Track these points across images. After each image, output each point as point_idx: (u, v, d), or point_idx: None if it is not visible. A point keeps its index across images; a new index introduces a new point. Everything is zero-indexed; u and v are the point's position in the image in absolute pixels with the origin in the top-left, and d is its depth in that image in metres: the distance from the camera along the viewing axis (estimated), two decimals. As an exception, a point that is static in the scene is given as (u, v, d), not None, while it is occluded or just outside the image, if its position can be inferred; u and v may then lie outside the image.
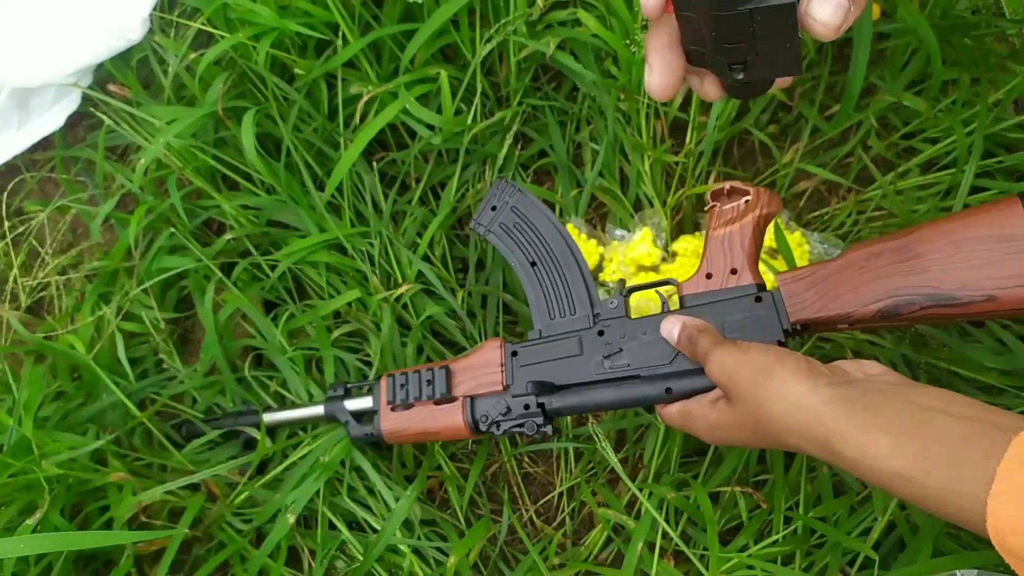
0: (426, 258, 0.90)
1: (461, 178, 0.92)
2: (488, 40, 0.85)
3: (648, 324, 0.67)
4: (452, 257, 0.91)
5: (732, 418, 0.57)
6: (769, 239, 0.89)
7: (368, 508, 0.84)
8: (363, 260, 0.89)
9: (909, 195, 0.85)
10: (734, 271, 0.65)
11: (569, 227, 0.91)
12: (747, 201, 0.65)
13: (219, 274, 0.84)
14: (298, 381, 0.85)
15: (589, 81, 0.89)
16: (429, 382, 0.74)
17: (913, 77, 0.90)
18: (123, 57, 0.80)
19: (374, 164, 0.90)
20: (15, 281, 0.95)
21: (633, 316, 0.69)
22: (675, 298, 0.75)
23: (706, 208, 0.68)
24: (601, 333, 0.69)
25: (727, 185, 0.66)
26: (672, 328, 0.63)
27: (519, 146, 0.94)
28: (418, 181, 0.92)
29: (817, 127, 0.94)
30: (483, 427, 0.72)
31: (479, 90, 0.88)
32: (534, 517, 0.85)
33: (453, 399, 0.73)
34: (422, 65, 0.85)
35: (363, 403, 0.78)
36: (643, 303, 0.86)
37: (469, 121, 0.86)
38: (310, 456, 0.80)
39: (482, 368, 0.73)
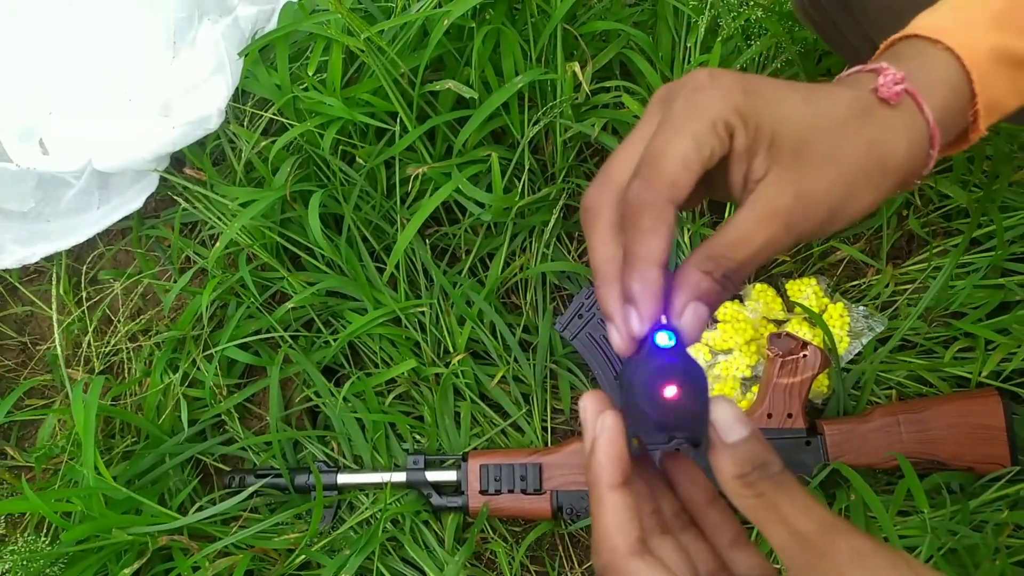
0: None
1: (508, 248, 0.97)
2: (536, 122, 0.90)
3: None
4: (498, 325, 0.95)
5: None
6: (808, 301, 0.92)
7: (418, 568, 0.87)
8: (416, 329, 0.93)
9: (947, 272, 0.87)
10: (790, 415, 0.81)
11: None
12: (805, 356, 0.81)
13: (289, 340, 0.89)
14: (363, 444, 0.89)
15: (632, 159, 0.94)
16: (523, 478, 0.84)
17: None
18: (199, 143, 0.87)
19: (426, 240, 0.95)
20: (89, 346, 1.01)
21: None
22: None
23: (767, 350, 0.82)
24: (677, 450, 0.74)
25: (784, 332, 0.83)
26: (735, 424, 0.38)
27: (563, 214, 0.98)
28: (468, 253, 0.97)
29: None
30: (565, 516, 0.83)
31: (527, 167, 0.93)
32: (581, 582, 0.88)
33: (542, 492, 0.84)
34: (474, 147, 0.90)
35: (446, 476, 0.86)
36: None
37: (517, 197, 0.90)
38: (371, 519, 0.84)
39: (569, 467, 0.84)
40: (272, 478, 0.89)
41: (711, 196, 0.44)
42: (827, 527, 0.37)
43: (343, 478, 0.88)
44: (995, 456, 0.80)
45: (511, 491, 0.84)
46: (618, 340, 0.39)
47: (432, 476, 0.86)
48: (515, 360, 0.94)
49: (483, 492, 0.85)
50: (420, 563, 0.87)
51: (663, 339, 0.38)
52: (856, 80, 0.44)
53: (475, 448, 0.91)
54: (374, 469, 0.89)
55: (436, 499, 0.86)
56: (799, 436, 0.82)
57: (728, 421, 0.38)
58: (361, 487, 0.89)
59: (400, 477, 0.87)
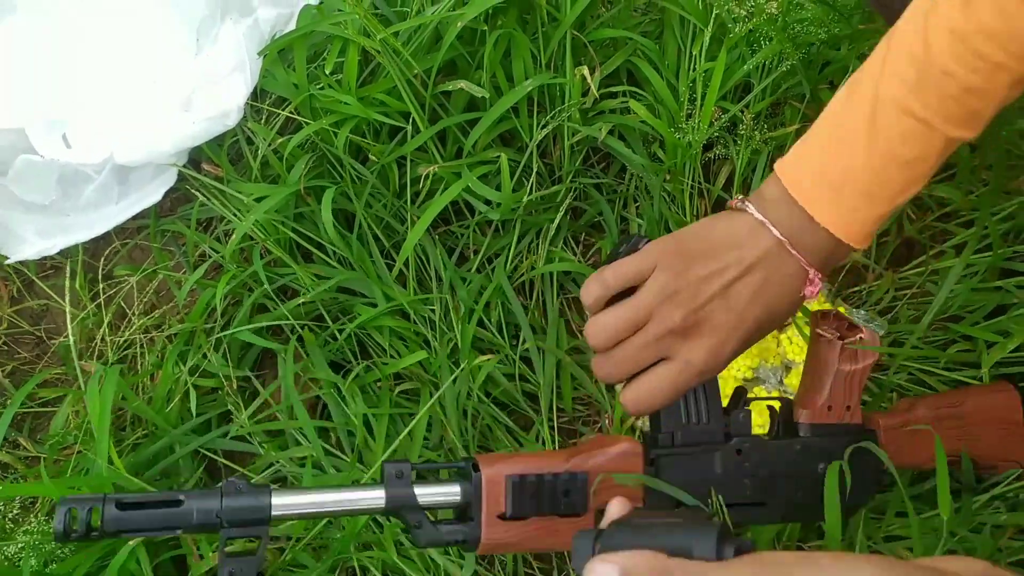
0: (481, 323, 0.96)
1: (516, 248, 0.99)
2: (544, 126, 0.93)
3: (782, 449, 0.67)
4: (507, 323, 0.97)
5: None
6: (809, 307, 0.93)
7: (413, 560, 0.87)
8: (424, 325, 0.95)
9: (944, 275, 0.89)
10: (848, 408, 0.68)
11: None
12: (862, 338, 0.68)
13: (299, 331, 0.90)
14: (364, 435, 0.90)
15: (637, 163, 0.96)
16: (567, 493, 0.58)
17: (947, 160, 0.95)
18: (217, 140, 0.89)
19: (436, 237, 0.97)
20: (103, 339, 1.02)
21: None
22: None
23: (818, 331, 0.68)
24: (739, 452, 0.64)
25: (833, 311, 0.69)
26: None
27: (569, 216, 1.00)
28: (476, 253, 0.99)
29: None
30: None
31: (535, 170, 0.95)
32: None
33: (585, 513, 0.59)
34: (483, 148, 0.93)
35: (443, 494, 0.59)
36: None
37: (526, 196, 0.93)
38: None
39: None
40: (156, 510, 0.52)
41: None
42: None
43: (280, 501, 0.54)
44: (1015, 453, 0.75)
45: (543, 514, 0.58)
46: None
47: (424, 493, 0.58)
48: (521, 358, 0.95)
49: (506, 517, 0.58)
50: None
51: None
52: (782, 262, 0.57)
53: (483, 451, 0.80)
54: (322, 488, 0.59)
55: (427, 533, 0.57)
56: (857, 431, 0.68)
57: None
58: (309, 516, 0.62)
59: (376, 497, 0.57)
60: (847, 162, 0.54)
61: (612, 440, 0.64)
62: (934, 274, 0.91)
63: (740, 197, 0.59)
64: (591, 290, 0.59)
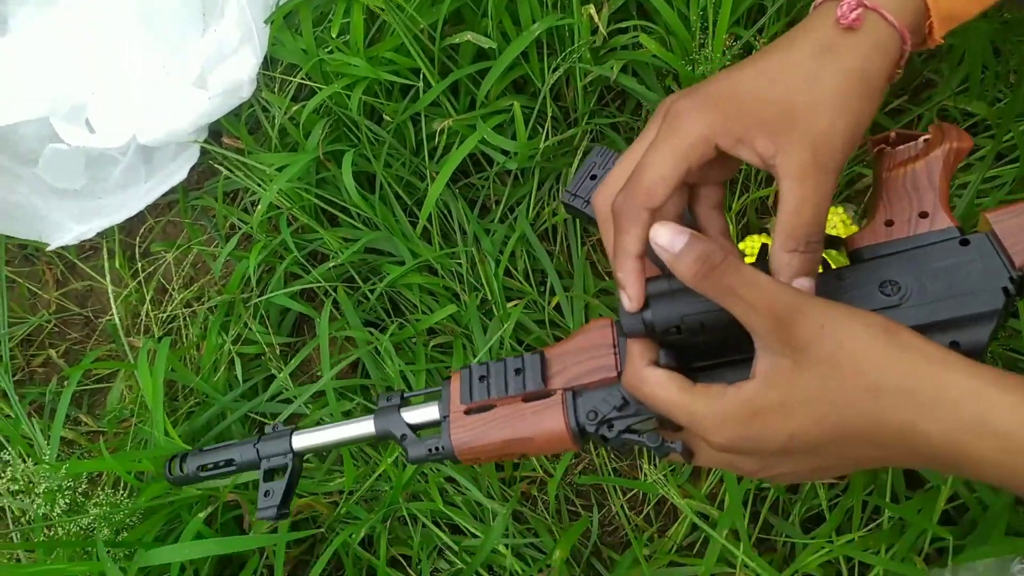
0: (508, 272, 0.98)
1: (537, 195, 0.99)
2: (555, 69, 0.92)
3: None
4: (533, 270, 0.98)
5: (788, 393, 0.40)
6: (836, 230, 0.93)
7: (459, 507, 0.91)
8: (452, 279, 0.97)
9: (972, 189, 0.88)
10: (924, 214, 0.51)
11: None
12: (927, 140, 0.53)
13: (332, 294, 0.93)
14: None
15: (653, 99, 0.95)
16: (518, 371, 0.56)
17: (969, 71, 0.92)
18: (234, 112, 0.90)
19: (456, 191, 0.98)
20: (147, 315, 1.06)
21: None
22: (840, 257, 0.60)
23: (871, 154, 0.56)
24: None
25: (892, 133, 0.54)
26: (674, 238, 0.42)
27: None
28: (498, 203, 1.00)
29: (878, 123, 0.97)
30: (590, 428, 0.54)
31: (549, 115, 0.95)
32: (624, 510, 0.91)
33: (549, 392, 0.55)
34: (496, 98, 0.92)
35: (427, 413, 0.60)
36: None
37: (542, 142, 0.93)
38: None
39: (586, 352, 0.56)
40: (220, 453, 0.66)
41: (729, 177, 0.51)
42: (788, 302, 0.40)
43: (300, 441, 0.63)
44: None
45: (503, 394, 0.56)
46: (626, 304, 0.47)
47: (411, 416, 0.60)
48: (548, 302, 0.97)
49: (467, 408, 0.57)
50: (459, 522, 0.89)
51: None
52: (818, 16, 0.47)
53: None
54: (330, 425, 0.63)
55: (413, 445, 0.59)
56: (948, 237, 0.50)
57: (669, 238, 0.42)
58: (326, 448, 0.64)
59: (366, 426, 0.61)
60: None
61: (585, 326, 0.58)
62: (961, 188, 0.89)
63: None
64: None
